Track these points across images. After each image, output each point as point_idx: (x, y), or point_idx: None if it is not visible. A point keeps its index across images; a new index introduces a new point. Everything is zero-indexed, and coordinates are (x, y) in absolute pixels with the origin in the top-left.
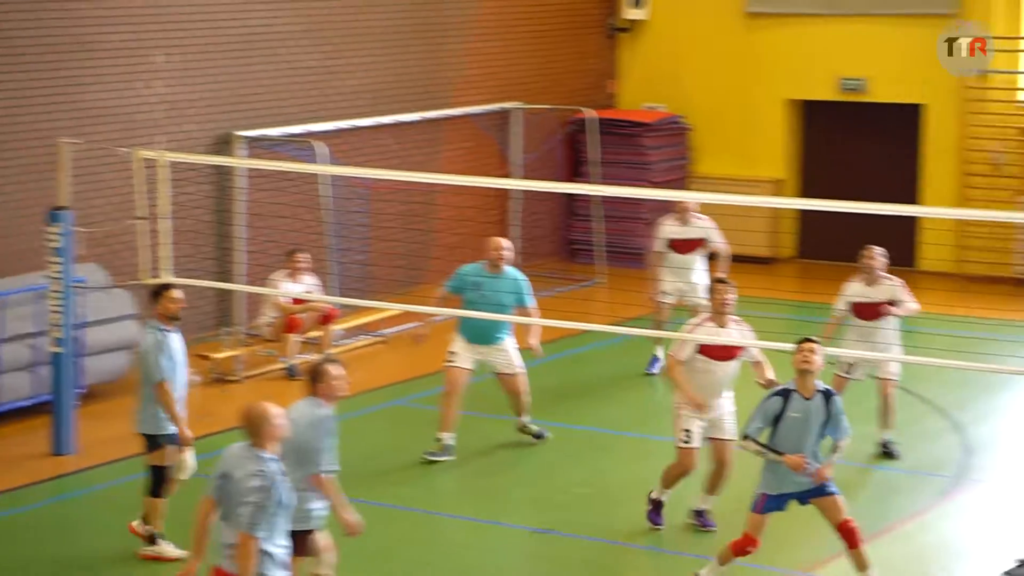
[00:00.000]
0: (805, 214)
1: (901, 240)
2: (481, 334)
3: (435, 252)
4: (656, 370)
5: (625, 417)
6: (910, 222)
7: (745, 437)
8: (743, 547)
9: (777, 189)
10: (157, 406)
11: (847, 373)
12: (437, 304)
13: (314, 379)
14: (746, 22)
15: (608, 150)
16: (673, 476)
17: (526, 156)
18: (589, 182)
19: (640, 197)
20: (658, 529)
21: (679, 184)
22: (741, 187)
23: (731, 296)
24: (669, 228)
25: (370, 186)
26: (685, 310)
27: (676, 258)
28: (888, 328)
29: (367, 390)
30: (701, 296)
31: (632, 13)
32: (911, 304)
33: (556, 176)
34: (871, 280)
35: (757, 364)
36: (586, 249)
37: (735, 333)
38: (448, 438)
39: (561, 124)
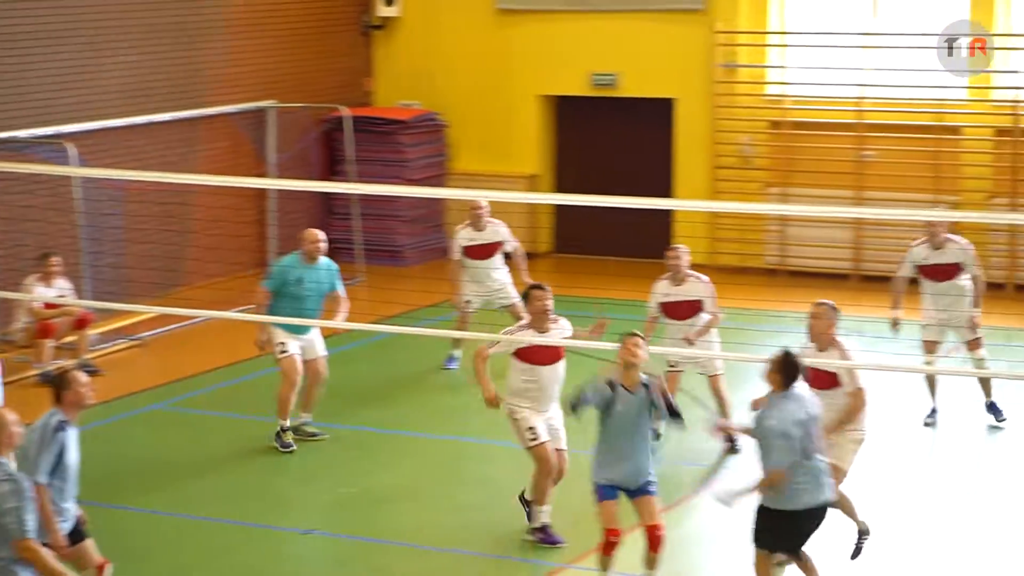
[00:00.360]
0: (561, 209)
1: (656, 233)
2: (302, 326)
3: (192, 253)
4: (455, 366)
5: (392, 417)
6: (665, 215)
7: (574, 408)
8: (608, 541)
9: (532, 184)
10: None
11: (673, 367)
12: (260, 305)
13: (59, 387)
14: (498, 19)
15: (364, 148)
16: (542, 485)
17: (282, 155)
18: (346, 180)
19: (398, 195)
20: (560, 546)
21: (437, 181)
22: (497, 183)
23: (550, 301)
24: (464, 235)
25: (124, 188)
26: (496, 313)
27: (474, 264)
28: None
29: (125, 395)
30: (511, 294)
31: (385, 10)
32: (711, 313)
33: (312, 175)
34: (677, 279)
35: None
36: (345, 248)
37: (557, 335)
38: (288, 423)
39: (316, 123)
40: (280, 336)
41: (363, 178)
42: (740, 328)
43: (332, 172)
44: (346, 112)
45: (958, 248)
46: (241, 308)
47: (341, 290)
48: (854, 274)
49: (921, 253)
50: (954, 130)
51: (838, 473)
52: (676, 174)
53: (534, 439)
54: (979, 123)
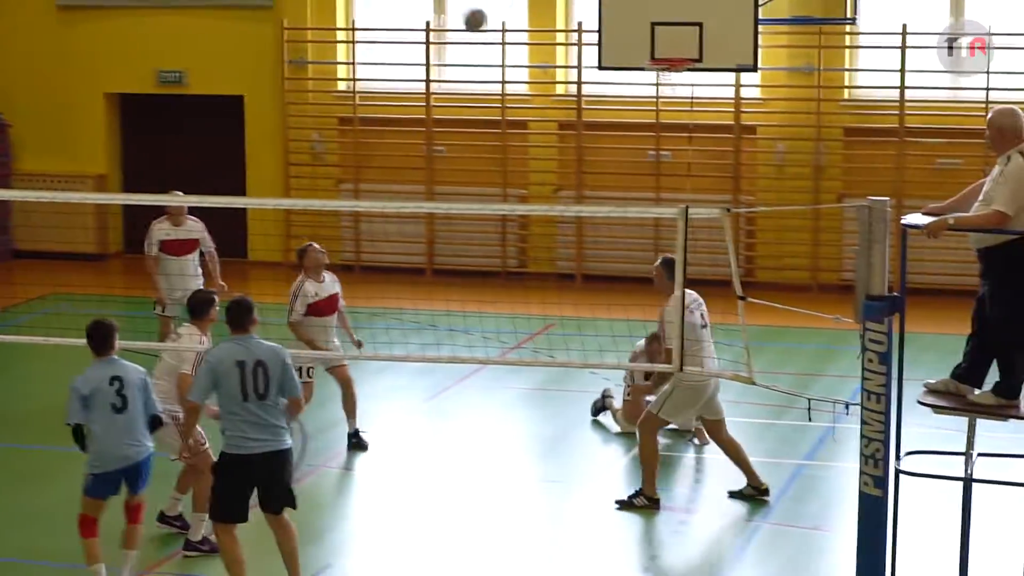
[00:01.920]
0: (130, 209)
1: (231, 232)
2: None
3: None
4: None
5: None
6: (238, 214)
7: None
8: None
9: (100, 184)
10: None
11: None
12: None
13: None
14: (59, 16)
15: None
16: (202, 490)
17: None
18: None
19: None
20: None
21: (1, 182)
22: (64, 183)
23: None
24: (162, 229)
25: None
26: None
27: (171, 261)
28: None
29: None
30: None
31: None
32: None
33: None
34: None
35: None
36: None
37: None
38: None
39: None
40: None
41: None
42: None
43: None
44: None
45: None
46: None
47: None
48: (429, 268)
49: None
50: (520, 124)
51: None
52: (248, 172)
53: (203, 444)
54: (543, 117)
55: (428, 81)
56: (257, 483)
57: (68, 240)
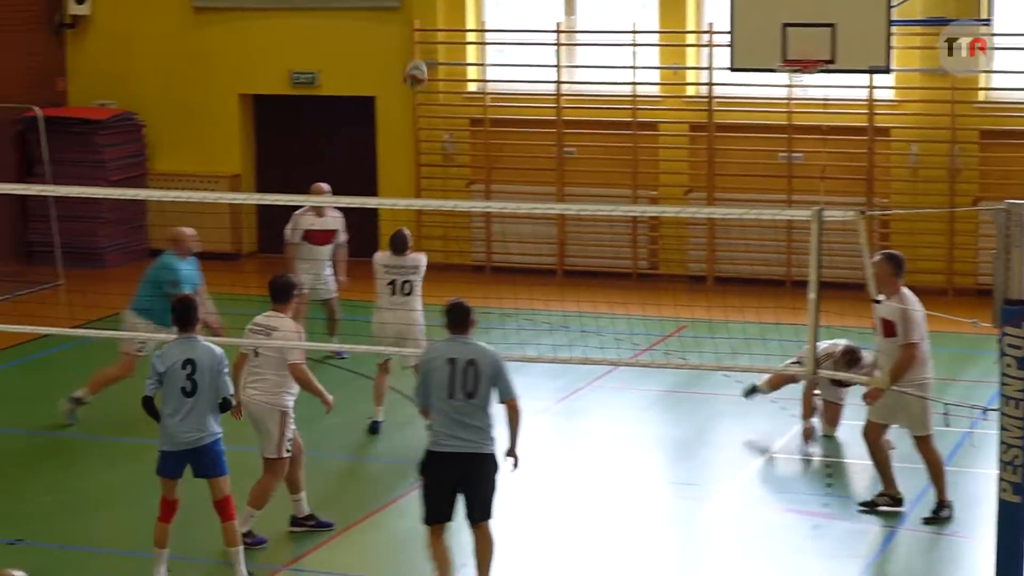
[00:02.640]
0: (265, 209)
1: (363, 232)
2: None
3: None
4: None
5: (95, 421)
6: (371, 213)
7: None
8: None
9: (235, 184)
10: None
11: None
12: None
13: None
14: (194, 17)
15: (60, 149)
16: (263, 489)
17: None
18: (42, 182)
19: (95, 196)
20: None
21: (136, 182)
22: (199, 183)
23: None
24: (307, 219)
25: None
26: (315, 303)
27: (312, 249)
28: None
29: None
30: (331, 288)
31: (76, 8)
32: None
33: (5, 176)
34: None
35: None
36: (43, 251)
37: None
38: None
39: (8, 123)
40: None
41: (60, 179)
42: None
43: (28, 174)
44: (39, 112)
45: None
46: None
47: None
48: (560, 269)
49: None
50: (651, 126)
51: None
52: (380, 172)
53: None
54: (674, 119)
55: (559, 82)
56: (457, 485)
57: (203, 239)
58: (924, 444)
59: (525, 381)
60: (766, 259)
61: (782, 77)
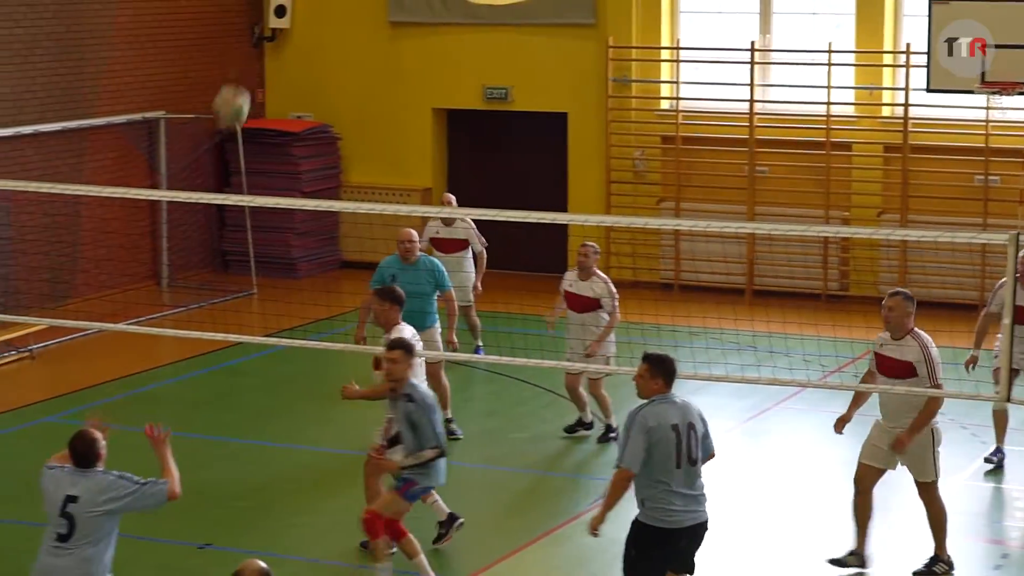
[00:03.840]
0: None
1: (552, 247)
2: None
3: (82, 265)
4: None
5: (290, 430)
6: (560, 229)
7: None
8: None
9: (426, 198)
10: None
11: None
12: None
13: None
14: (390, 31)
15: (257, 160)
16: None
17: (173, 166)
18: (239, 192)
19: (290, 207)
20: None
21: (330, 194)
22: (391, 196)
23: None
24: (432, 227)
25: (11, 198)
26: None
27: (440, 258)
28: (595, 325)
29: (14, 408)
30: (469, 297)
31: (276, 22)
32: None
33: (204, 186)
34: (583, 274)
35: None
36: (238, 260)
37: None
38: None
39: (209, 134)
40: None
41: (256, 190)
42: (633, 342)
43: (225, 184)
44: (238, 124)
45: None
46: (133, 320)
47: (449, 286)
48: (748, 288)
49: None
50: (845, 146)
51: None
52: (570, 188)
53: None
54: (869, 139)
55: (752, 101)
56: (678, 555)
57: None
58: (928, 491)
59: (712, 400)
60: (960, 283)
61: (980, 99)
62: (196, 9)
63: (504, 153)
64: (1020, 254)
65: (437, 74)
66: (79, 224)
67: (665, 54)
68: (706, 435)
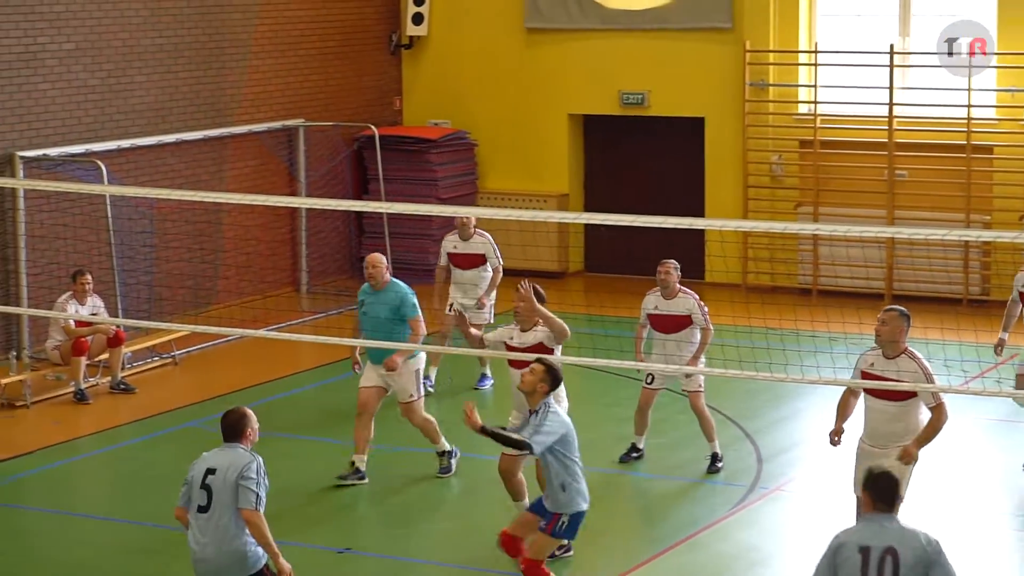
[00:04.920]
0: (591, 228)
1: (688, 253)
2: (372, 353)
3: (223, 272)
4: (487, 386)
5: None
6: (697, 235)
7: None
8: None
9: (562, 203)
10: None
11: (650, 384)
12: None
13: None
14: (526, 38)
15: (395, 167)
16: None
17: (312, 173)
18: (377, 199)
19: (428, 214)
20: None
21: (467, 200)
22: (528, 202)
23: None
24: (449, 242)
25: (155, 206)
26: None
27: (458, 273)
28: (688, 342)
29: (159, 413)
30: (484, 315)
31: (414, 29)
32: (702, 327)
33: (343, 193)
34: (667, 294)
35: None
36: None
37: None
38: (360, 460)
39: (347, 141)
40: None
41: (393, 197)
42: (772, 348)
43: (363, 191)
44: (376, 131)
45: None
46: (273, 326)
47: (412, 314)
48: (888, 293)
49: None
50: (986, 149)
51: None
52: (707, 193)
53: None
54: (1011, 142)
55: (891, 104)
56: None
57: (530, 257)
58: None
59: None
60: None
61: None
62: (335, 18)
63: (640, 158)
64: None
65: (573, 80)
66: (220, 231)
67: (803, 57)
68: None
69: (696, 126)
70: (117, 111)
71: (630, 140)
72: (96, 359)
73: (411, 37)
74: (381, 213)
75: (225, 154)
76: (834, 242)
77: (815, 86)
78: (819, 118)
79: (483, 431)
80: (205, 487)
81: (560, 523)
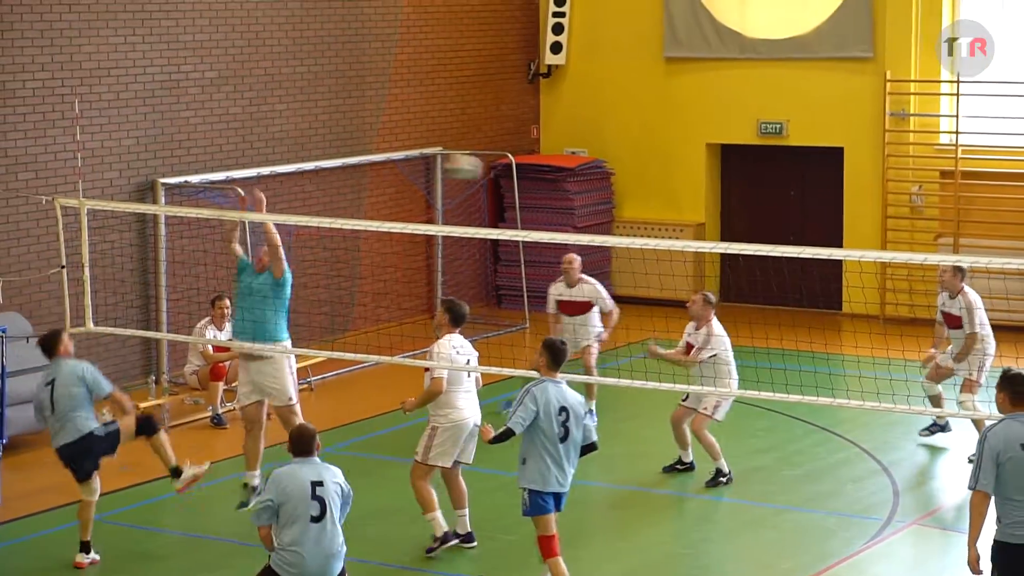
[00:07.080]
0: (728, 258)
1: (826, 283)
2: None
3: (360, 299)
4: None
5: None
6: (834, 265)
7: None
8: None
9: (699, 233)
10: None
11: (684, 402)
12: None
13: None
14: (665, 67)
15: (531, 195)
16: None
17: (449, 201)
18: (513, 227)
19: (564, 242)
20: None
21: (603, 229)
22: (664, 231)
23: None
24: (556, 290)
25: (293, 233)
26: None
27: (568, 319)
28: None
29: None
30: (591, 343)
31: (552, 58)
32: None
33: (480, 222)
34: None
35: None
36: (512, 295)
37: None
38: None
39: (486, 170)
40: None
41: (529, 225)
42: (911, 380)
43: (499, 219)
44: (513, 159)
45: None
46: (408, 353)
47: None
48: None
49: None
50: None
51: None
52: (845, 223)
53: None
54: None
55: None
56: None
57: (665, 287)
58: None
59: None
60: None
61: None
62: (474, 47)
63: (778, 188)
64: None
65: (711, 109)
66: (358, 258)
67: (945, 87)
68: None
69: (835, 156)
70: (258, 139)
71: (768, 170)
72: (233, 384)
73: (549, 66)
74: (517, 241)
75: (363, 182)
76: (976, 274)
77: (956, 116)
78: (960, 148)
79: (493, 440)
80: (317, 498)
81: (523, 499)
